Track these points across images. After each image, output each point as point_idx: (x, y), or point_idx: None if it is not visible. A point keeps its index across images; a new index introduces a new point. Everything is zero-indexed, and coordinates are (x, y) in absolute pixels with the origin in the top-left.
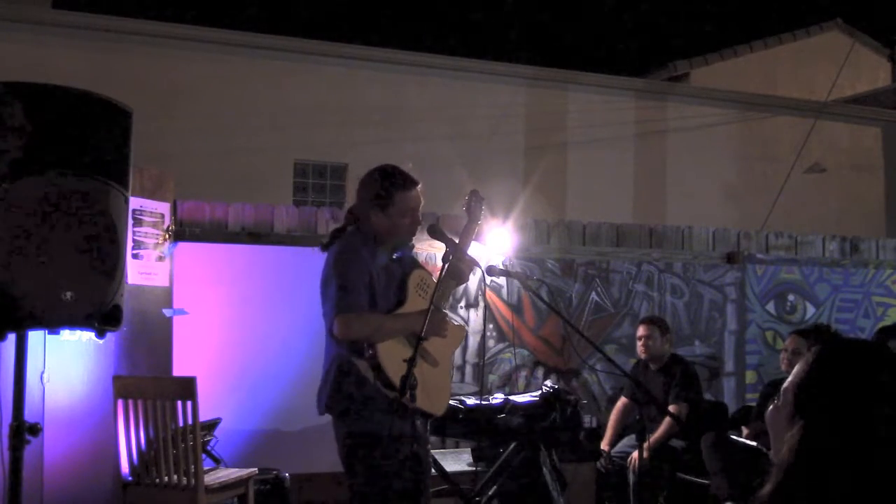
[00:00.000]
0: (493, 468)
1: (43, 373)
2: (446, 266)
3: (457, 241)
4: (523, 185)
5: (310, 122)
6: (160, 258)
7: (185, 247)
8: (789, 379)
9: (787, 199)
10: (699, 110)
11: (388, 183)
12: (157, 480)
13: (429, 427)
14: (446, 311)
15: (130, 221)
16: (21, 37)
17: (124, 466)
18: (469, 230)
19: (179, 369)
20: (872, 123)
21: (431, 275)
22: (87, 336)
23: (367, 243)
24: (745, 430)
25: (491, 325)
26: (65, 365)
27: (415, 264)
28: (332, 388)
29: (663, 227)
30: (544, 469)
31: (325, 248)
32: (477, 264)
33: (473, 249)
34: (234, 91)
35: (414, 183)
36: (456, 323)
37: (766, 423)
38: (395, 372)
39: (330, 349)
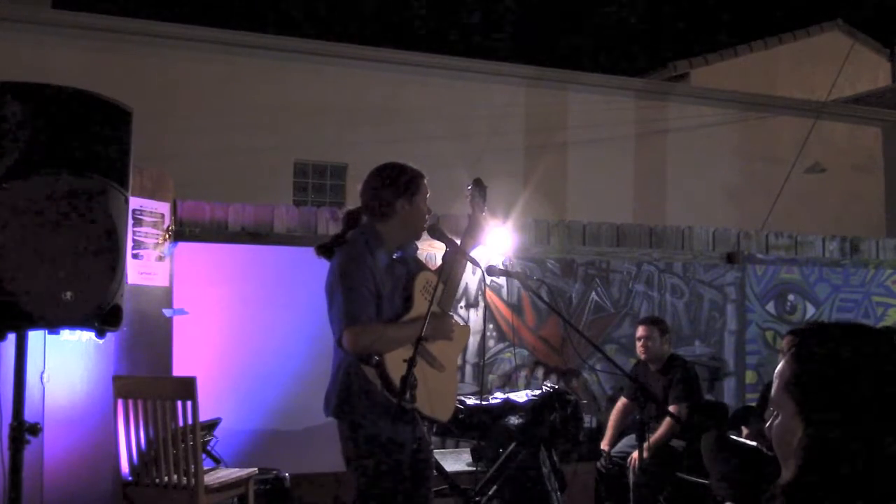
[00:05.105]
0: (493, 468)
1: (43, 373)
2: (446, 267)
3: (458, 242)
4: (523, 185)
5: (310, 122)
6: (160, 258)
7: (185, 247)
8: (776, 383)
9: (787, 199)
10: (699, 110)
11: (411, 172)
12: (157, 480)
13: (434, 429)
14: (451, 313)
15: (130, 221)
16: (21, 37)
17: (124, 466)
18: (473, 226)
19: (179, 369)
20: (872, 123)
21: (436, 275)
22: (87, 336)
23: (370, 247)
24: (744, 430)
25: (491, 325)
26: (65, 365)
27: (419, 266)
28: (340, 392)
29: (663, 227)
30: (544, 469)
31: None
32: (477, 263)
33: (477, 249)
34: (234, 91)
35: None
36: (460, 323)
37: (773, 441)
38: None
39: (338, 353)
